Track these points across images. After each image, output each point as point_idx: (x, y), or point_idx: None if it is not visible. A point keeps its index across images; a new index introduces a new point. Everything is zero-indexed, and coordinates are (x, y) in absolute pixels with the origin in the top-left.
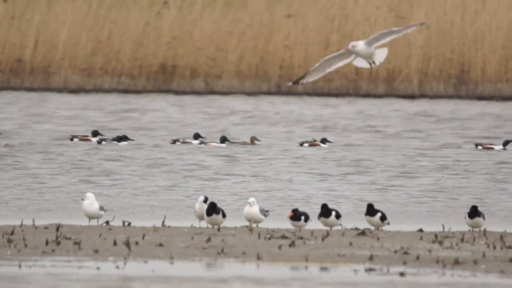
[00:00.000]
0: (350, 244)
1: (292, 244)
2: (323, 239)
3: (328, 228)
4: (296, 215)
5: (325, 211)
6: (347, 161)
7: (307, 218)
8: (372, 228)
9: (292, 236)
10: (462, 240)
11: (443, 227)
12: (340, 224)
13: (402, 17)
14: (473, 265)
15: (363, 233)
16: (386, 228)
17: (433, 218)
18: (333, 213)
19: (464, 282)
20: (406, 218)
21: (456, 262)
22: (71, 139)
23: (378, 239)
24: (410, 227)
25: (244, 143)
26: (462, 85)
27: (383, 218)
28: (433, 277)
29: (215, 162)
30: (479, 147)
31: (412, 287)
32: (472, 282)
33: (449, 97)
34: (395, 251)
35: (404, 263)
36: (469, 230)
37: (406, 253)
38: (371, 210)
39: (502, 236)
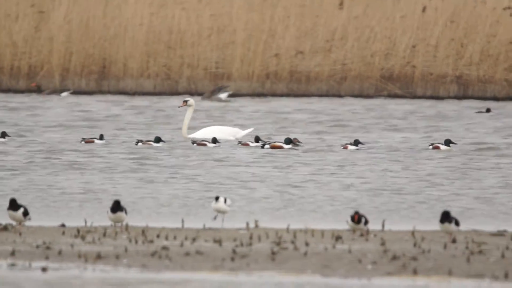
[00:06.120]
0: None
1: None
2: None
3: None
4: None
5: None
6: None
7: None
8: (14, 223)
9: None
10: (104, 234)
11: (86, 222)
12: None
13: (43, 12)
14: (115, 260)
15: (5, 228)
16: (28, 223)
17: (76, 213)
18: None
19: (106, 276)
20: (49, 213)
21: (98, 257)
22: None
23: (20, 234)
24: (52, 222)
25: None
26: (104, 80)
27: (26, 213)
28: (75, 271)
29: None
30: (140, 143)
31: (53, 282)
32: (114, 276)
33: (91, 92)
34: (37, 246)
35: (47, 258)
36: (111, 225)
37: (48, 248)
38: (13, 205)
39: (144, 231)
